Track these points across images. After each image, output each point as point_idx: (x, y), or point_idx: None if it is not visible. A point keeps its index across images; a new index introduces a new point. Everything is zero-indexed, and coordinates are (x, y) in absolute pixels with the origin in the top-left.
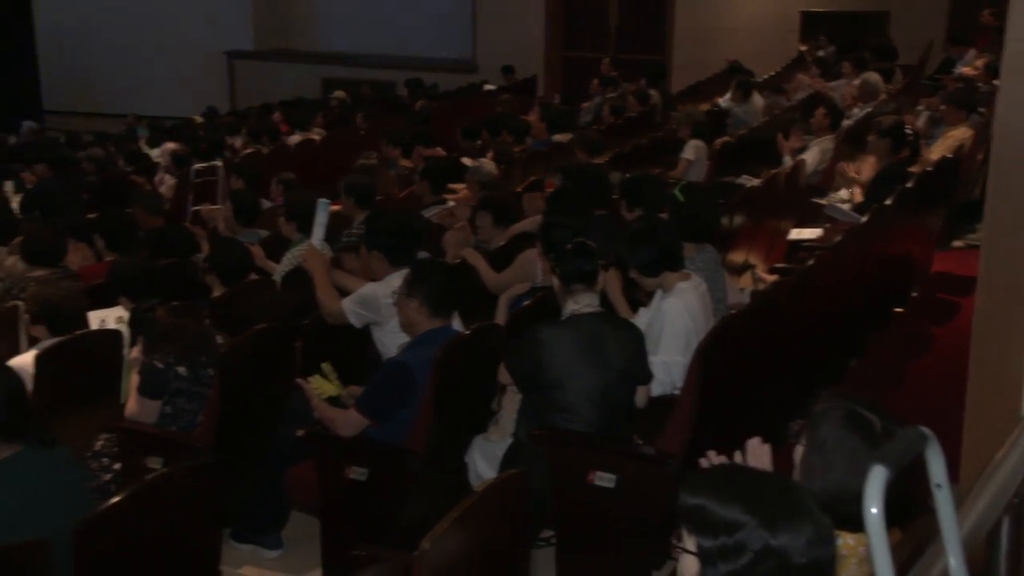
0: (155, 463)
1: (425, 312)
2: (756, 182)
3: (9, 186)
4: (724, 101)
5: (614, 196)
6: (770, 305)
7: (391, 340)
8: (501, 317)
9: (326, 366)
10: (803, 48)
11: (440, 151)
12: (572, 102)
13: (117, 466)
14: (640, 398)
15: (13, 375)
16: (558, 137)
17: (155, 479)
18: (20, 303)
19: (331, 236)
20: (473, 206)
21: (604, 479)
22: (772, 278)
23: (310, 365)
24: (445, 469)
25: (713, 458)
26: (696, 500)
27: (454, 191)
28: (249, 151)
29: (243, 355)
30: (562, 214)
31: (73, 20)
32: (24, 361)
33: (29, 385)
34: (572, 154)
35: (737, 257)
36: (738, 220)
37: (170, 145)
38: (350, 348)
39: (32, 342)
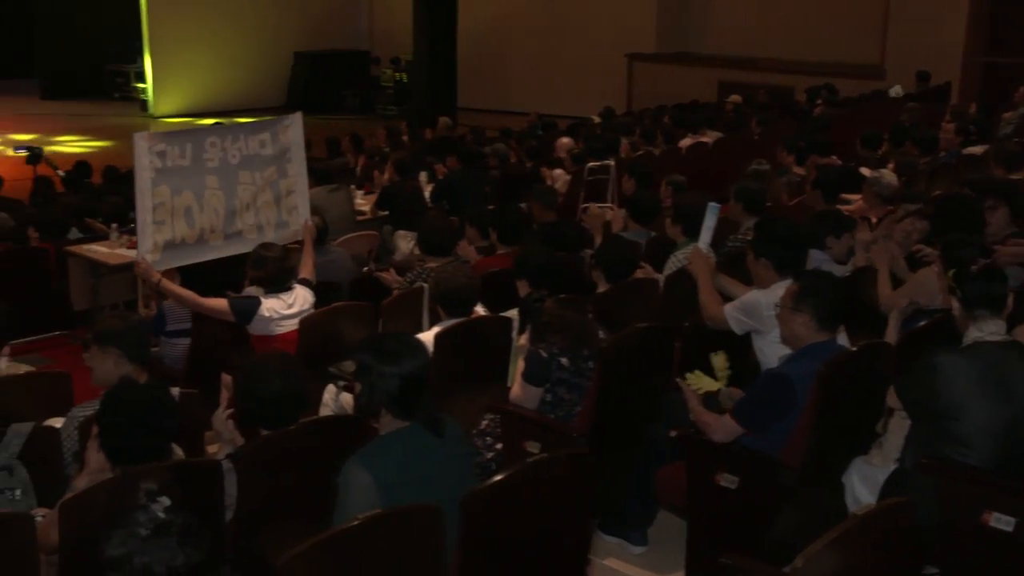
0: (533, 447)
1: (812, 326)
2: None
3: (423, 177)
4: None
5: None
6: None
7: (772, 350)
8: (892, 336)
9: (718, 357)
10: None
11: (836, 160)
12: (990, 112)
13: (499, 446)
14: None
15: (422, 353)
16: (971, 149)
17: (535, 463)
18: (425, 286)
19: (717, 241)
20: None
21: (1002, 521)
22: None
23: (688, 367)
24: (820, 487)
25: None
26: None
27: (847, 201)
28: (641, 152)
29: (624, 351)
30: (959, 230)
31: (493, 24)
32: (426, 339)
33: None
34: (986, 167)
35: None
36: None
37: (564, 140)
38: (729, 354)
39: (433, 321)
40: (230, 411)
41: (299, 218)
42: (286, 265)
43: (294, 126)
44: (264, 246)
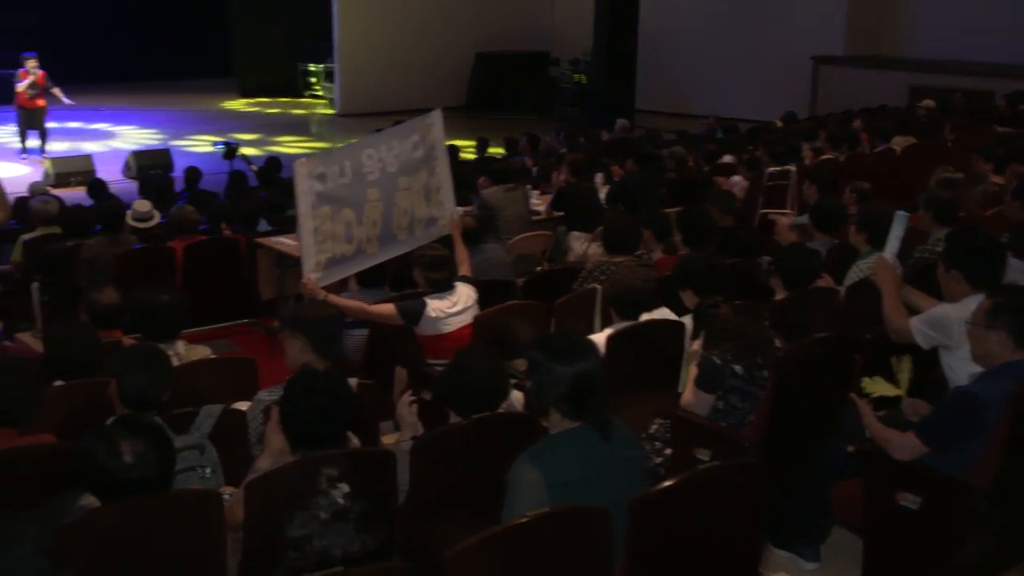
0: (703, 454)
1: (1008, 344)
2: None
3: (599, 178)
4: None
5: None
6: None
7: (962, 367)
8: None
9: (902, 362)
10: None
11: None
12: None
13: (668, 451)
14: None
15: (595, 354)
16: None
17: (706, 470)
18: (598, 286)
19: (904, 251)
20: None
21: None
22: None
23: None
24: (1014, 514)
25: None
26: None
27: None
28: (825, 157)
29: (801, 361)
30: None
31: (673, 26)
32: (598, 340)
33: None
34: None
35: None
36: None
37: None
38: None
39: (605, 323)
40: (413, 398)
41: (446, 212)
42: (449, 264)
43: (436, 123)
44: (430, 247)
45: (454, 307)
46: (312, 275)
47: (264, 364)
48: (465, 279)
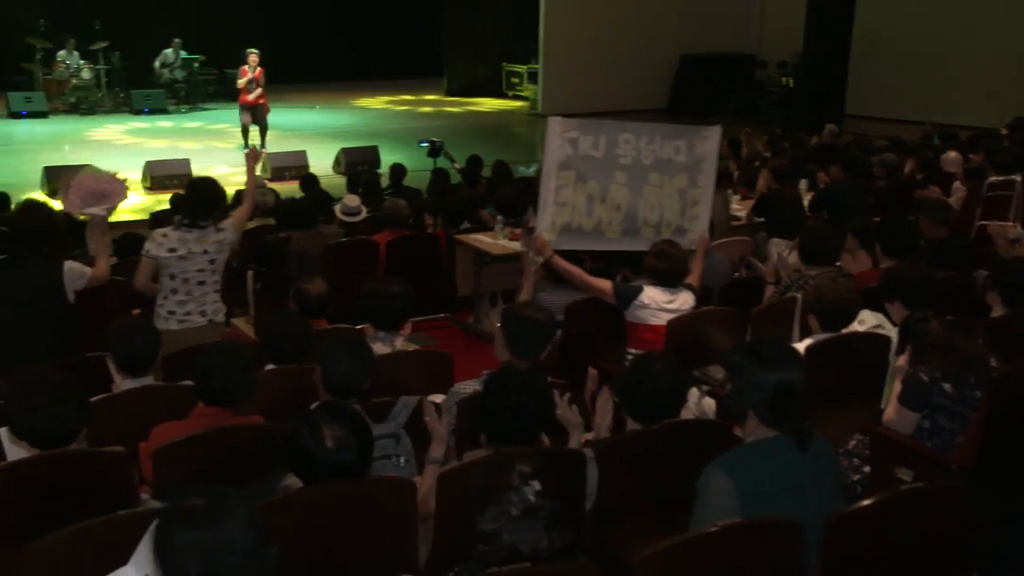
0: (904, 474)
1: None
2: None
3: (803, 184)
4: None
5: None
6: None
7: None
8: None
9: None
10: None
11: None
12: None
13: (866, 469)
14: None
15: (800, 362)
16: None
17: (909, 491)
18: (798, 296)
19: None
20: None
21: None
22: None
23: None
24: None
25: None
26: None
27: None
28: None
29: (1019, 382)
30: None
31: (889, 27)
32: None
33: None
34: None
35: None
36: None
37: (951, 154)
38: None
39: (805, 333)
40: (613, 397)
41: (698, 228)
42: (685, 265)
43: (712, 138)
44: (669, 242)
45: (670, 303)
46: (546, 233)
47: (459, 358)
48: (690, 287)
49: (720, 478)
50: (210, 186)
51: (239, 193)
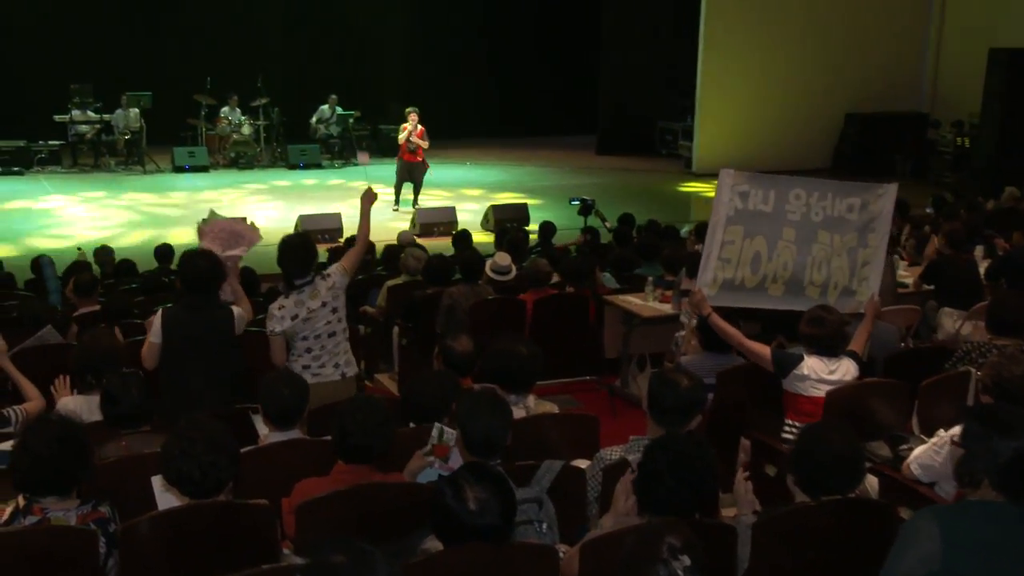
0: None
1: None
2: None
3: (979, 251)
4: None
5: None
6: None
7: None
8: None
9: None
10: None
11: None
12: None
13: None
14: None
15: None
16: None
17: None
18: (972, 369)
19: None
20: None
21: None
22: None
23: None
24: None
25: None
26: None
27: None
28: None
29: None
30: None
31: None
32: None
33: None
34: None
35: None
36: None
37: None
38: None
39: None
40: (747, 474)
41: (867, 290)
42: (843, 331)
43: (887, 196)
44: (824, 307)
45: (831, 374)
46: (706, 289)
47: (605, 423)
48: (853, 355)
49: (929, 523)
50: (302, 243)
51: (352, 237)
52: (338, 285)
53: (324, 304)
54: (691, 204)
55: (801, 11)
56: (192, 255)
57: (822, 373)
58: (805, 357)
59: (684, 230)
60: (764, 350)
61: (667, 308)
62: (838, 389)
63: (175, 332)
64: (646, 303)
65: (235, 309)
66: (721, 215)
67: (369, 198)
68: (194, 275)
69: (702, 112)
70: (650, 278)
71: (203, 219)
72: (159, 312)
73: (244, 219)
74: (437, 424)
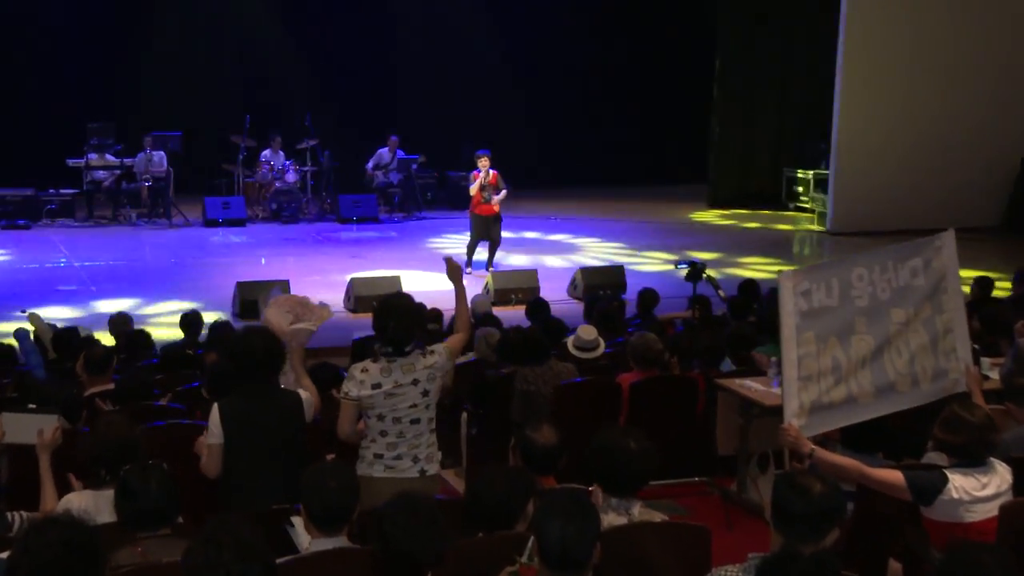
0: None
1: None
2: None
3: None
4: None
5: None
6: None
7: None
8: None
9: None
10: None
11: None
12: None
13: None
14: None
15: None
16: None
17: None
18: None
19: None
20: None
21: None
22: None
23: None
24: None
25: None
26: None
27: None
28: None
29: None
30: None
31: None
32: None
33: None
34: None
35: None
36: None
37: None
38: None
39: None
40: None
41: (958, 363)
42: (988, 435)
43: (947, 246)
44: (964, 405)
45: (984, 489)
46: (794, 421)
47: (718, 535)
48: (1003, 455)
49: None
50: (407, 304)
51: (453, 320)
52: (438, 367)
53: (416, 383)
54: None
55: (963, 37)
56: (246, 333)
57: (975, 491)
58: (949, 476)
59: None
60: (894, 476)
61: None
62: (1013, 504)
63: (238, 428)
64: (769, 389)
65: (303, 394)
66: (790, 327)
67: (456, 273)
68: (250, 356)
69: (839, 157)
70: (774, 359)
71: (265, 294)
72: (214, 407)
73: (308, 298)
74: (533, 538)
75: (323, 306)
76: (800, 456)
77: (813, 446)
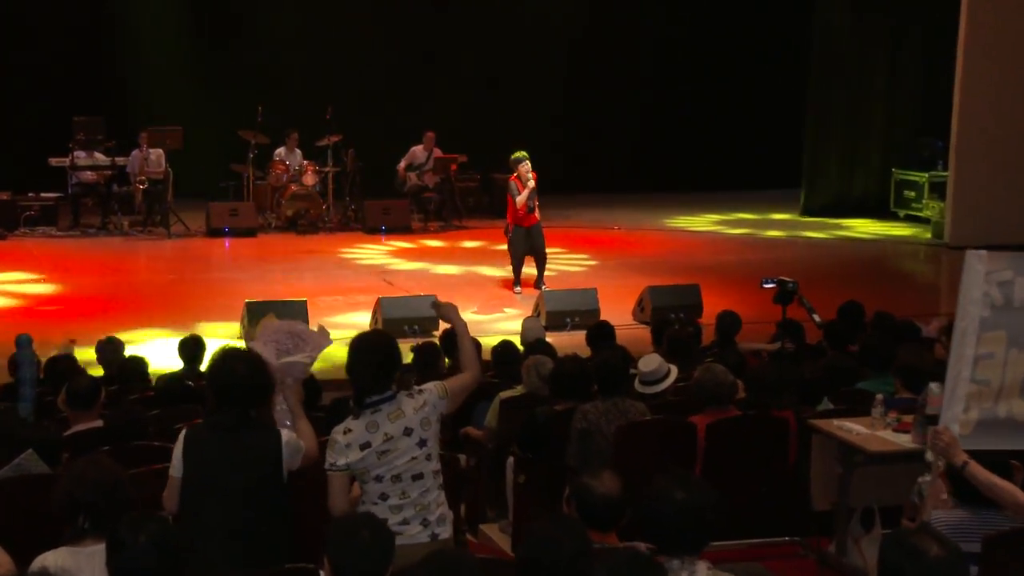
0: None
1: None
2: None
3: None
4: None
5: None
6: None
7: None
8: None
9: None
10: None
11: None
12: None
13: None
14: None
15: None
16: None
17: None
18: None
19: None
20: None
21: None
22: None
23: None
24: None
25: None
26: None
27: None
28: None
29: None
30: None
31: None
32: None
33: None
34: None
35: None
36: None
37: None
38: None
39: None
40: None
41: None
42: None
43: None
44: None
45: None
46: (955, 426)
47: None
48: None
49: None
50: (378, 344)
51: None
52: (430, 407)
53: (408, 432)
54: (942, 290)
55: None
56: (229, 356)
57: None
58: None
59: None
60: None
61: (905, 440)
62: None
63: (199, 462)
64: (873, 432)
65: (285, 433)
66: (972, 318)
67: (450, 311)
68: (228, 383)
69: (959, 157)
70: (879, 396)
71: (253, 328)
72: (181, 434)
73: (303, 326)
74: None
75: (323, 333)
76: (912, 514)
77: (968, 458)
